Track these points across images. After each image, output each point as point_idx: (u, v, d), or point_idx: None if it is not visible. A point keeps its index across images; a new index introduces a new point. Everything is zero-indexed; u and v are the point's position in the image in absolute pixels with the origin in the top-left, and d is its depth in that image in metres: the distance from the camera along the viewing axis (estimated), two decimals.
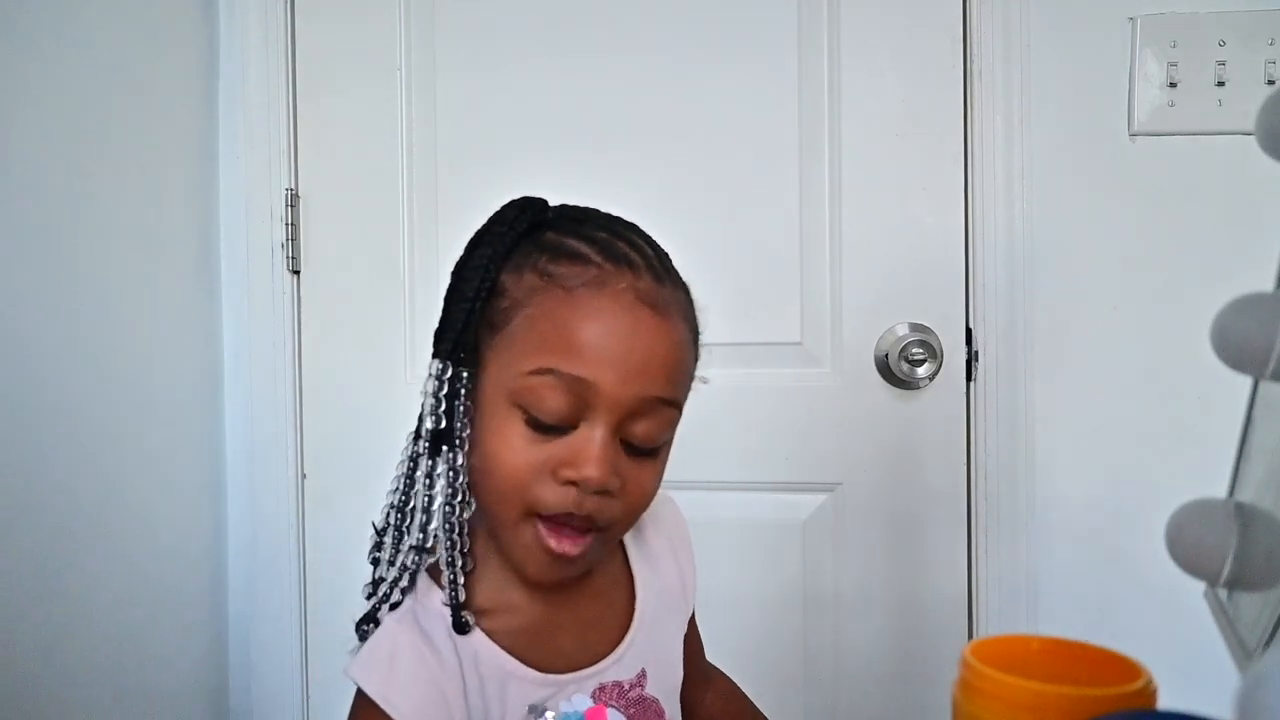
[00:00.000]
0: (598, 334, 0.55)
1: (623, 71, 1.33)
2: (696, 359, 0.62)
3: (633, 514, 0.60)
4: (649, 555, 0.72)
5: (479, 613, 0.62)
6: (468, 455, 0.59)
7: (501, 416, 0.57)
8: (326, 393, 1.40)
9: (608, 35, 1.33)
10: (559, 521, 0.57)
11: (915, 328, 1.28)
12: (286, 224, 1.37)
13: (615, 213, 0.64)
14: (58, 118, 1.08)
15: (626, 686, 0.66)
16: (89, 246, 1.13)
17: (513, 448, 0.56)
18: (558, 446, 0.56)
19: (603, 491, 0.55)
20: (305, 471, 1.41)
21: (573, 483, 0.55)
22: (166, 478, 1.27)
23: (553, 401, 0.55)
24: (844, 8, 1.29)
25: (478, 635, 0.61)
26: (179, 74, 1.32)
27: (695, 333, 0.62)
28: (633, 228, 0.62)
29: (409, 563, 0.61)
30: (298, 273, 1.39)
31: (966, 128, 1.27)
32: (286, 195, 1.38)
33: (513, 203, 0.61)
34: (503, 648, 0.61)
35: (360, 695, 0.59)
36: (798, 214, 1.30)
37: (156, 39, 1.26)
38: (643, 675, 0.67)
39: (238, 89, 1.37)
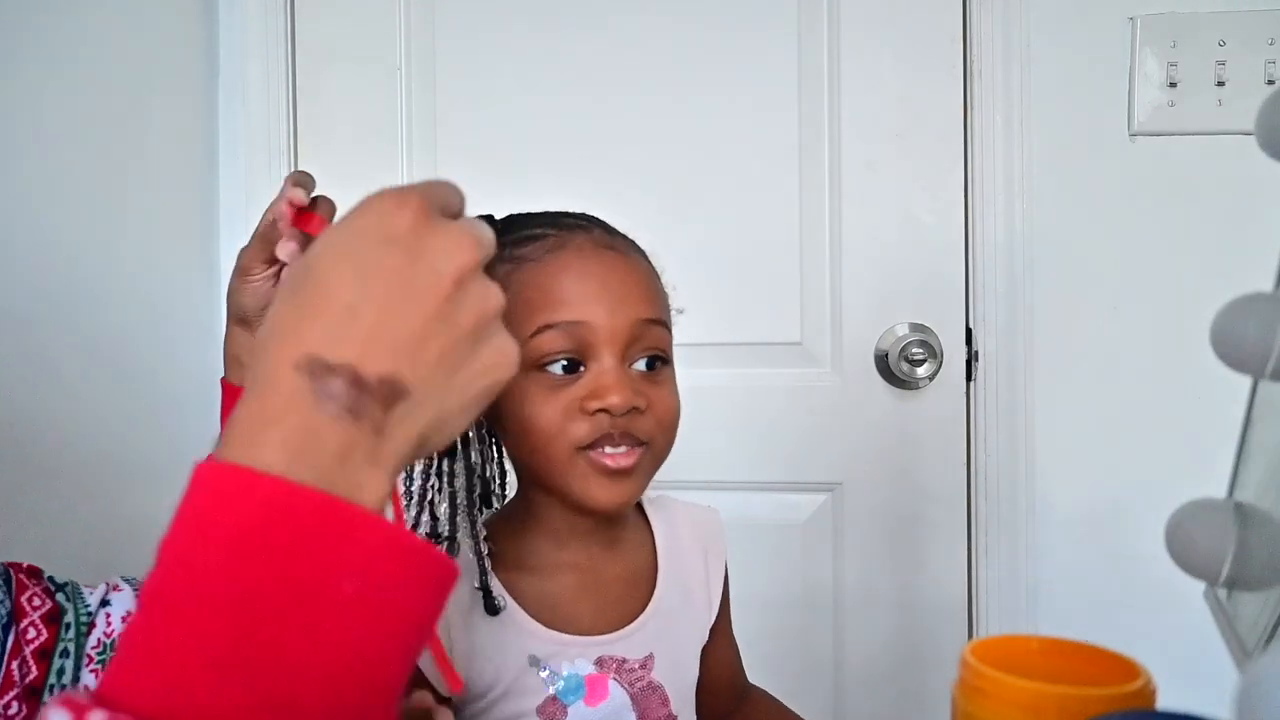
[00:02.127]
0: (576, 282, 0.63)
1: (623, 72, 1.33)
2: (666, 296, 0.69)
3: (665, 429, 0.65)
4: (679, 553, 0.74)
5: (508, 563, 0.67)
6: (502, 438, 0.68)
7: (522, 386, 0.62)
8: None
9: (608, 36, 1.33)
10: (604, 450, 0.62)
11: (915, 328, 1.28)
12: None
13: (614, 216, 0.70)
14: (58, 117, 1.08)
15: (631, 665, 0.68)
16: (89, 246, 1.13)
17: (540, 403, 0.62)
18: (577, 388, 0.62)
19: (631, 411, 0.61)
20: None
21: (602, 410, 0.61)
22: (167, 478, 1.27)
23: (559, 350, 0.62)
24: (844, 8, 1.29)
25: (493, 577, 0.66)
26: (179, 74, 1.32)
27: (659, 275, 0.68)
28: (577, 213, 0.69)
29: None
30: None
31: (966, 128, 1.27)
32: None
33: None
34: (514, 596, 0.66)
35: None
36: (798, 214, 1.30)
37: (156, 39, 1.26)
38: (650, 659, 0.69)
39: (238, 89, 1.37)
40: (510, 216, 0.69)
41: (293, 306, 0.35)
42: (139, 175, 1.22)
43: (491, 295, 0.38)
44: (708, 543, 0.77)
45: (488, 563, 0.65)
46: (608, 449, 0.62)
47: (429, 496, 0.67)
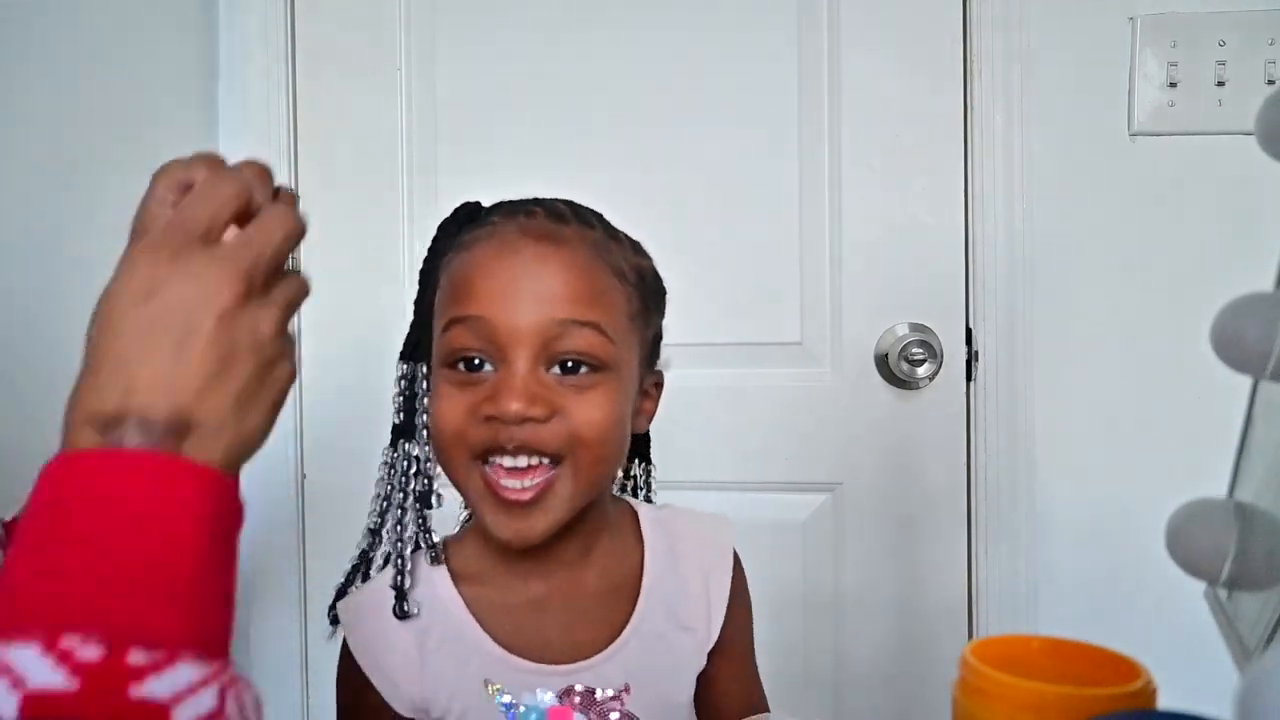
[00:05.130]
0: (485, 274, 0.58)
1: (623, 73, 1.33)
2: (635, 294, 0.63)
3: (586, 442, 0.58)
4: (673, 569, 0.68)
5: (462, 578, 0.64)
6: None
7: (438, 382, 0.60)
8: (326, 393, 1.40)
9: (607, 36, 1.33)
10: (501, 465, 0.57)
11: (915, 328, 1.28)
12: None
13: (614, 216, 0.66)
14: (57, 117, 1.08)
15: (602, 697, 0.63)
16: (89, 247, 1.13)
17: (446, 400, 0.59)
18: (482, 389, 0.57)
19: (530, 419, 0.56)
20: (305, 471, 1.41)
21: (493, 417, 0.56)
22: None
23: (465, 347, 0.58)
24: (844, 8, 1.29)
25: (452, 597, 0.63)
26: (179, 74, 1.32)
27: (623, 268, 0.62)
28: (564, 200, 0.64)
29: (384, 549, 0.65)
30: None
31: (966, 128, 1.27)
32: None
33: (454, 209, 0.66)
34: (476, 616, 0.63)
35: None
36: (798, 214, 1.30)
37: (156, 38, 1.26)
38: (624, 691, 0.63)
39: (238, 89, 1.37)
40: (496, 204, 0.65)
41: (82, 373, 0.39)
42: (139, 175, 1.21)
43: (262, 323, 0.40)
44: (711, 558, 0.70)
45: (407, 562, 0.62)
46: (507, 460, 0.57)
47: (382, 494, 0.65)
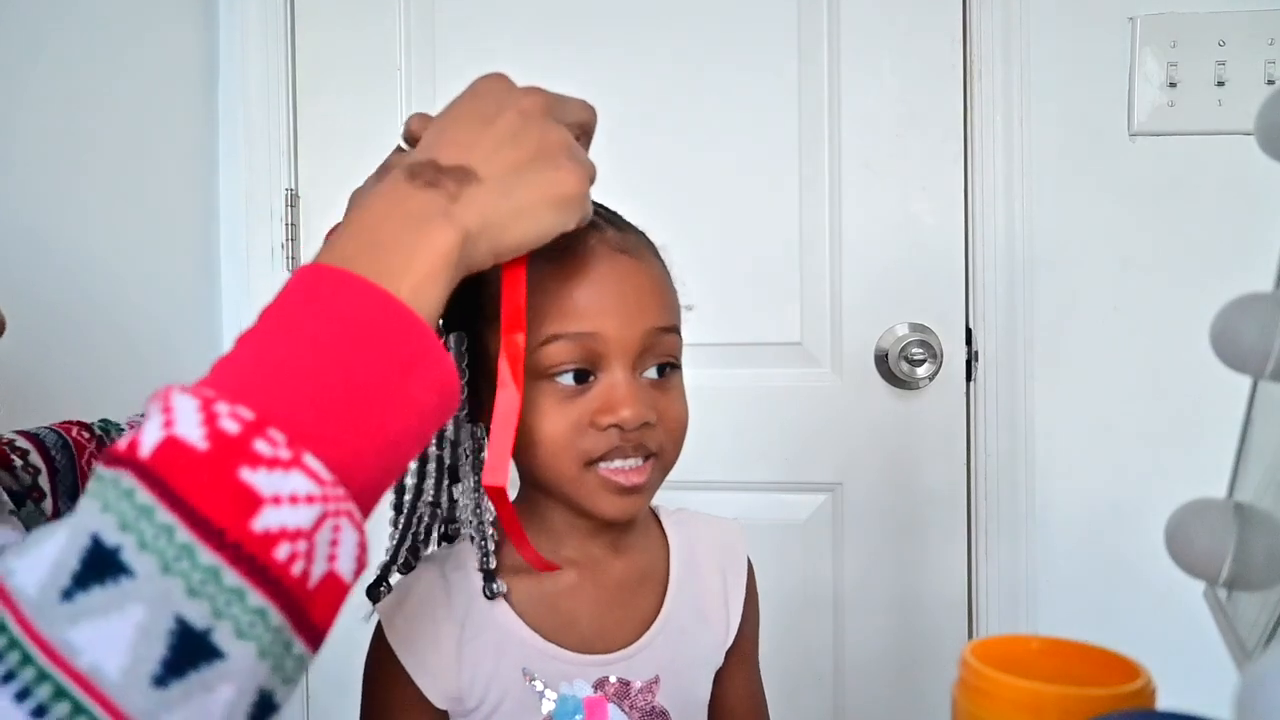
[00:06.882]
0: (588, 291, 0.60)
1: (623, 72, 1.33)
2: (674, 288, 0.67)
3: (674, 439, 0.64)
4: (695, 569, 0.71)
5: (504, 566, 0.65)
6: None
7: (530, 395, 0.59)
8: None
9: (607, 36, 1.33)
10: (611, 462, 0.61)
11: (915, 328, 1.28)
12: (286, 224, 1.37)
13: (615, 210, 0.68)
14: (57, 117, 1.08)
15: (634, 688, 0.65)
16: (88, 247, 1.13)
17: (548, 414, 0.60)
18: (588, 400, 0.60)
19: (643, 425, 0.60)
20: None
21: (614, 425, 0.59)
22: None
23: (569, 361, 0.59)
24: (844, 8, 1.29)
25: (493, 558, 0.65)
26: (179, 74, 1.32)
27: (666, 268, 0.67)
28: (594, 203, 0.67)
29: (425, 529, 0.65)
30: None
31: (966, 128, 1.27)
32: (286, 195, 1.38)
33: None
34: (514, 607, 0.64)
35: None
36: (798, 214, 1.30)
37: (156, 39, 1.26)
38: (655, 682, 0.66)
39: (238, 89, 1.37)
40: None
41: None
42: (140, 176, 1.22)
43: (552, 132, 0.51)
44: (728, 560, 0.73)
45: (491, 543, 0.63)
46: (617, 462, 0.60)
47: (433, 463, 0.64)
